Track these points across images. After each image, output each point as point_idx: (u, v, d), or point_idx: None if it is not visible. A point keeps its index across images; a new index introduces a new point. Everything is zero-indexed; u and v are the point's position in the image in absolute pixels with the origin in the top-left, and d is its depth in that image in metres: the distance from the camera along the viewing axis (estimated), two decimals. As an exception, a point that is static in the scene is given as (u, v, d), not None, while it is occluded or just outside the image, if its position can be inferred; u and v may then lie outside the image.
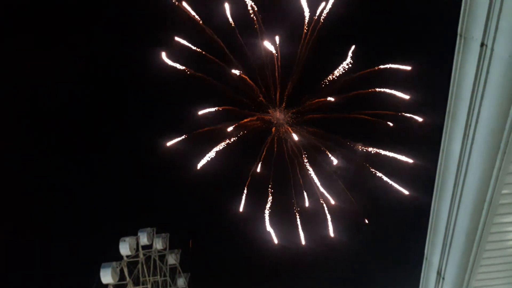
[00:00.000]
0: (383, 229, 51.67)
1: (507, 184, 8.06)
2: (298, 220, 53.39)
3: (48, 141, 52.45)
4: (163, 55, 50.01)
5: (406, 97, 48.83)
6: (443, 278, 10.55)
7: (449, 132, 8.29)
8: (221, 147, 53.30)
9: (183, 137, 51.96)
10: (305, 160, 54.85)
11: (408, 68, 48.42)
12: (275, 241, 52.83)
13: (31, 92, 49.70)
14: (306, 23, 49.93)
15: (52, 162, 52.15)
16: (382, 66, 49.57)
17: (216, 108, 52.30)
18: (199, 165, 52.25)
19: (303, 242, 52.47)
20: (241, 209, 52.68)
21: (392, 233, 50.87)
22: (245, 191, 53.34)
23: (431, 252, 10.68)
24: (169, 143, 51.42)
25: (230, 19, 49.37)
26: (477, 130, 7.50)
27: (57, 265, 49.05)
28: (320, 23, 49.38)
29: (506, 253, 9.91)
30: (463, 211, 8.88)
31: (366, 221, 52.24)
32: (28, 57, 46.66)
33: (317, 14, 49.37)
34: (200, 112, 51.49)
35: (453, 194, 8.90)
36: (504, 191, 8.20)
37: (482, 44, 6.74)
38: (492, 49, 6.61)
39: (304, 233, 52.93)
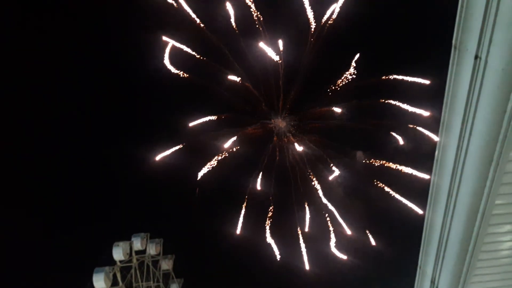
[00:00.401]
0: (380, 239, 51.34)
1: (500, 194, 8.13)
2: (299, 230, 52.71)
3: (43, 142, 52.21)
4: (159, 58, 49.62)
5: (413, 109, 48.22)
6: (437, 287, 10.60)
7: (443, 143, 8.37)
8: (221, 156, 52.57)
9: (180, 146, 51.43)
10: (308, 172, 54.03)
11: (421, 81, 47.45)
12: (276, 251, 52.09)
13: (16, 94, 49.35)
14: (311, 30, 49.62)
15: (46, 164, 51.97)
16: (384, 77, 49.26)
17: (216, 116, 51.70)
18: (200, 174, 51.53)
19: (304, 250, 51.82)
20: (240, 218, 51.83)
21: (388, 242, 50.71)
22: (245, 199, 52.64)
23: (425, 261, 10.72)
24: (166, 152, 50.95)
25: (233, 23, 48.83)
26: (471, 141, 7.58)
27: (48, 269, 48.68)
28: (326, 29, 49.16)
29: (499, 263, 9.97)
30: (457, 221, 8.94)
31: (373, 243, 51.23)
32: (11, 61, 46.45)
33: (323, 21, 49.11)
34: (199, 121, 50.90)
35: (447, 204, 8.97)
36: (497, 202, 8.27)
37: (476, 57, 6.83)
38: (486, 62, 6.70)
39: (305, 244, 52.25)
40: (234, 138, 52.73)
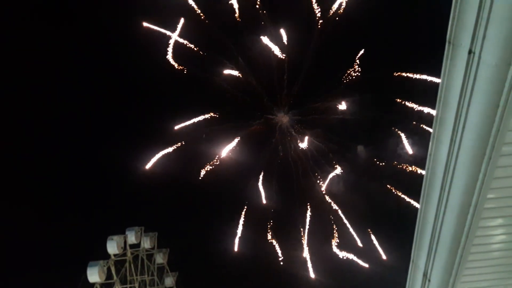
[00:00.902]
0: (381, 236, 51.31)
1: (492, 188, 8.21)
2: (301, 227, 52.52)
3: (40, 139, 51.94)
4: (160, 53, 49.09)
5: (417, 106, 47.92)
6: (429, 280, 10.69)
7: (437, 137, 8.43)
8: (224, 153, 52.11)
9: (179, 144, 51.07)
10: (311, 168, 53.74)
11: (426, 78, 46.89)
12: (276, 248, 51.81)
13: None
14: (316, 25, 49.16)
15: (43, 160, 51.76)
16: (387, 73, 48.96)
17: (218, 113, 51.25)
18: (202, 172, 51.14)
19: (305, 249, 51.63)
20: (241, 215, 51.43)
21: (382, 236, 50.87)
22: (246, 196, 52.30)
23: (418, 255, 10.82)
24: (167, 149, 50.63)
25: (238, 18, 48.23)
26: (464, 135, 7.64)
27: (43, 263, 48.60)
28: (330, 25, 48.77)
29: (490, 256, 10.09)
30: (449, 215, 9.02)
31: (384, 256, 50.69)
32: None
33: (329, 15, 48.61)
34: (201, 117, 50.44)
35: (439, 198, 9.04)
36: (489, 196, 8.35)
37: (470, 51, 6.87)
38: (479, 57, 6.74)
39: (307, 241, 52.18)
40: (237, 135, 52.30)
